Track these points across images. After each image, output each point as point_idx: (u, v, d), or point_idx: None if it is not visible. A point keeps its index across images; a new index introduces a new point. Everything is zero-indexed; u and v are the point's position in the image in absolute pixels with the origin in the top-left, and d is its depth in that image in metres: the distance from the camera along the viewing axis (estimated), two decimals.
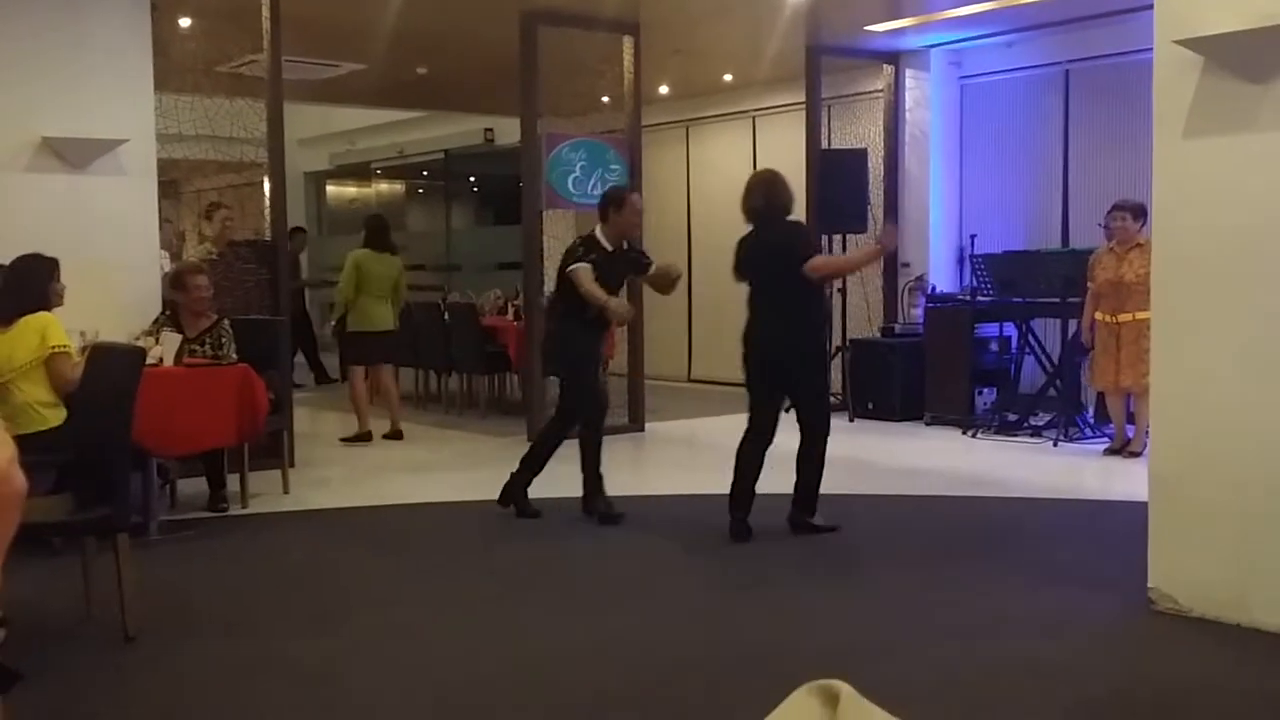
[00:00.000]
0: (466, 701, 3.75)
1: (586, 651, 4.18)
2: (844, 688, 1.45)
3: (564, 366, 6.44)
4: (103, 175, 6.86)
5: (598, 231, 6.23)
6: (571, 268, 6.09)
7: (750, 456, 5.69)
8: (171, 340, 6.17)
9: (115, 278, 6.76)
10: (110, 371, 4.55)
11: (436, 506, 6.76)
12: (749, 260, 5.81)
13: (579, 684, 3.87)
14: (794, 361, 5.70)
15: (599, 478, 6.29)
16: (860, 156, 10.22)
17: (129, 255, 6.93)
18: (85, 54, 6.79)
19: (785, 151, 11.41)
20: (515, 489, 6.31)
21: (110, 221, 6.88)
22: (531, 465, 6.32)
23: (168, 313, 6.63)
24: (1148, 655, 4.15)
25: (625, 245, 6.28)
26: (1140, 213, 7.56)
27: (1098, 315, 7.83)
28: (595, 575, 5.22)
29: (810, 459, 5.74)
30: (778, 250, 5.69)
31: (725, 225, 12.55)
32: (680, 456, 8.80)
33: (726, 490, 6.51)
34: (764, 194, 5.82)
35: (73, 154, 6.75)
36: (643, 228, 6.62)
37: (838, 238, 10.28)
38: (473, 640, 4.33)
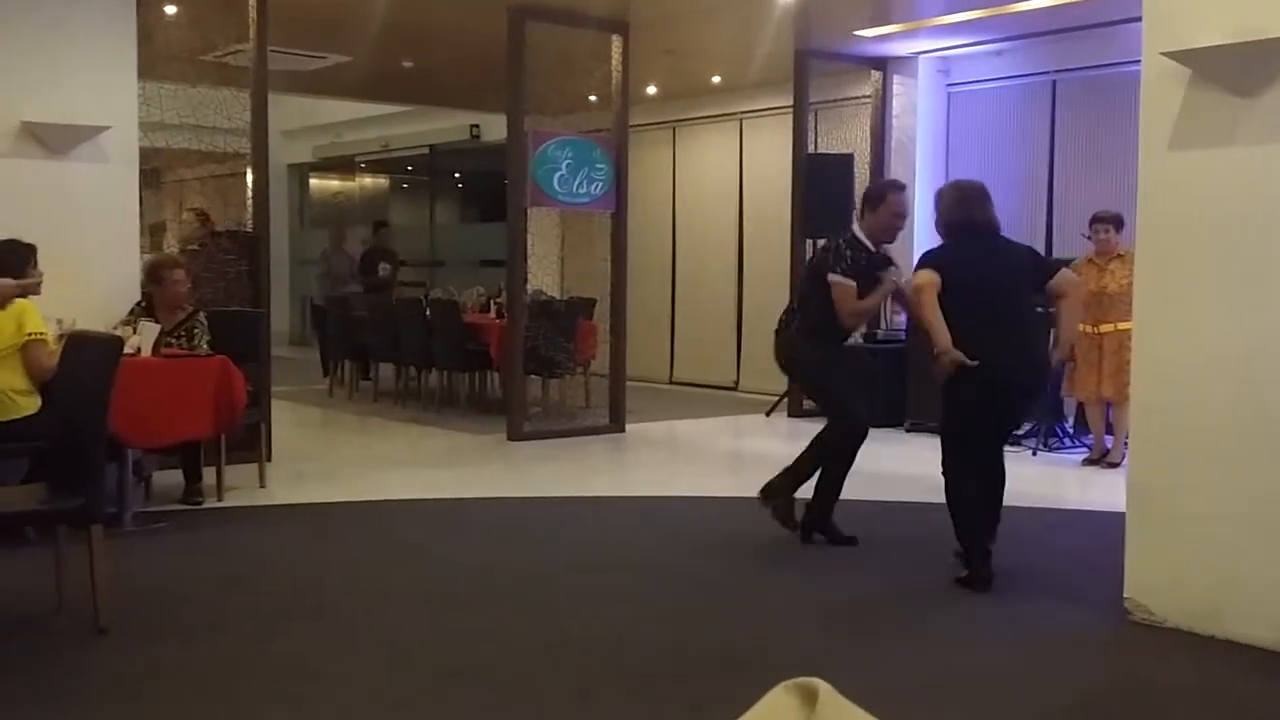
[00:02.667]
0: (441, 698, 3.72)
1: (563, 650, 4.16)
2: (822, 685, 1.45)
3: (807, 379, 5.96)
4: (84, 162, 6.80)
5: (858, 229, 5.60)
6: (833, 279, 5.40)
7: (976, 500, 5.06)
8: (150, 330, 6.11)
9: (94, 266, 6.71)
10: (87, 360, 4.50)
11: (414, 503, 6.73)
12: (984, 275, 4.97)
13: (554, 682, 3.85)
14: (1036, 389, 5.21)
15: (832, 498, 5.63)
16: (846, 161, 10.23)
17: (108, 243, 6.87)
18: (68, 39, 6.73)
19: (772, 155, 11.44)
20: (819, 521, 5.62)
21: (90, 209, 6.82)
22: (825, 498, 5.64)
23: (143, 304, 6.57)
24: (1121, 665, 4.16)
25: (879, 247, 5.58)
26: (1120, 224, 7.59)
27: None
28: (573, 575, 5.19)
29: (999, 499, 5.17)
30: (1019, 264, 5.13)
31: (710, 227, 12.69)
32: (660, 458, 8.78)
33: (706, 492, 6.49)
34: (983, 204, 5.15)
35: (54, 140, 6.69)
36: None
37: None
38: (448, 636, 4.30)
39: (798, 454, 5.69)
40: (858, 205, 5.78)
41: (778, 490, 5.67)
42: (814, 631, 4.44)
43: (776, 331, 5.84)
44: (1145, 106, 4.43)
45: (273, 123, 7.85)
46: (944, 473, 5.10)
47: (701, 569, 5.33)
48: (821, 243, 5.81)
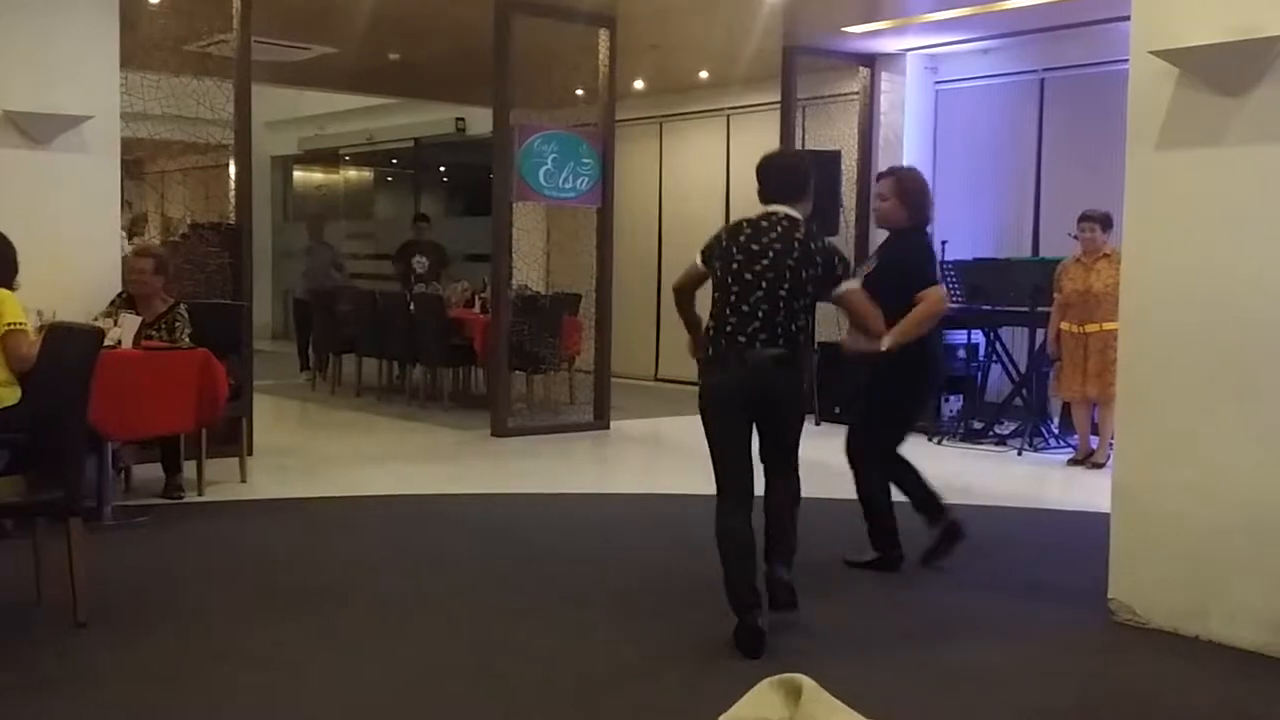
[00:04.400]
0: (421, 692, 3.70)
1: (548, 646, 4.14)
2: (806, 681, 1.45)
3: (799, 410, 4.50)
4: (65, 152, 6.73)
5: (793, 210, 4.40)
6: (849, 287, 4.38)
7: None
8: (131, 322, 6.06)
9: (75, 256, 6.65)
10: (67, 352, 4.47)
11: (396, 499, 6.70)
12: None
13: (537, 679, 3.83)
14: None
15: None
16: (834, 158, 10.22)
17: (90, 234, 6.81)
18: (51, 27, 6.66)
19: (759, 151, 11.28)
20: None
21: (72, 199, 6.76)
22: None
23: (124, 295, 6.52)
24: (1105, 665, 4.15)
25: None
26: (1108, 223, 7.59)
27: (1064, 325, 7.86)
28: (557, 572, 5.17)
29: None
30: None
31: (697, 223, 12.65)
32: (644, 455, 8.77)
33: (690, 490, 6.46)
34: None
35: (35, 129, 6.63)
36: None
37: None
38: (428, 632, 4.28)
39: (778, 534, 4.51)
40: (805, 183, 4.51)
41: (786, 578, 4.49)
42: (796, 629, 4.42)
43: (754, 353, 4.25)
44: (1133, 105, 4.42)
45: (256, 114, 7.79)
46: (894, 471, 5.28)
47: (685, 566, 5.31)
48: (803, 235, 4.33)
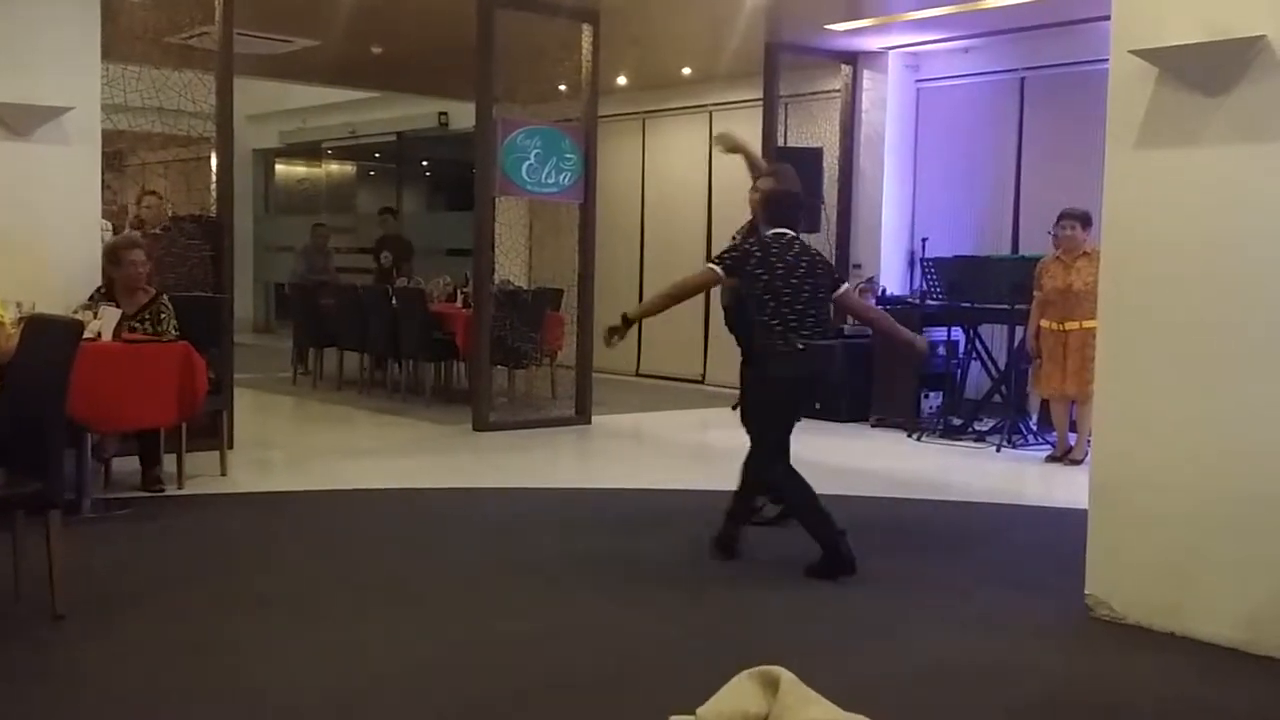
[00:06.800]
0: (402, 684, 3.70)
1: (528, 640, 4.14)
2: (783, 673, 1.47)
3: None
4: (45, 143, 6.70)
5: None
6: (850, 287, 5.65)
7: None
8: (111, 315, 6.03)
9: (55, 248, 6.62)
10: (46, 344, 4.44)
11: (376, 493, 6.69)
12: None
13: (517, 671, 3.83)
14: None
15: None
16: (815, 155, 10.24)
17: (70, 226, 6.78)
18: (31, 18, 6.63)
19: None
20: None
21: (52, 191, 6.72)
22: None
23: (103, 289, 6.47)
24: (1082, 661, 4.18)
25: None
26: (1087, 221, 7.63)
27: (1044, 323, 7.89)
28: (540, 567, 5.17)
29: None
30: None
31: (678, 219, 12.67)
32: (625, 450, 8.78)
33: (671, 484, 6.45)
34: None
35: (15, 120, 6.59)
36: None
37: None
38: (408, 624, 4.28)
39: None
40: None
41: None
42: (776, 623, 4.45)
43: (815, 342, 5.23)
44: (1112, 105, 4.45)
45: (238, 107, 7.76)
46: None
47: (665, 561, 5.33)
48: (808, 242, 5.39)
